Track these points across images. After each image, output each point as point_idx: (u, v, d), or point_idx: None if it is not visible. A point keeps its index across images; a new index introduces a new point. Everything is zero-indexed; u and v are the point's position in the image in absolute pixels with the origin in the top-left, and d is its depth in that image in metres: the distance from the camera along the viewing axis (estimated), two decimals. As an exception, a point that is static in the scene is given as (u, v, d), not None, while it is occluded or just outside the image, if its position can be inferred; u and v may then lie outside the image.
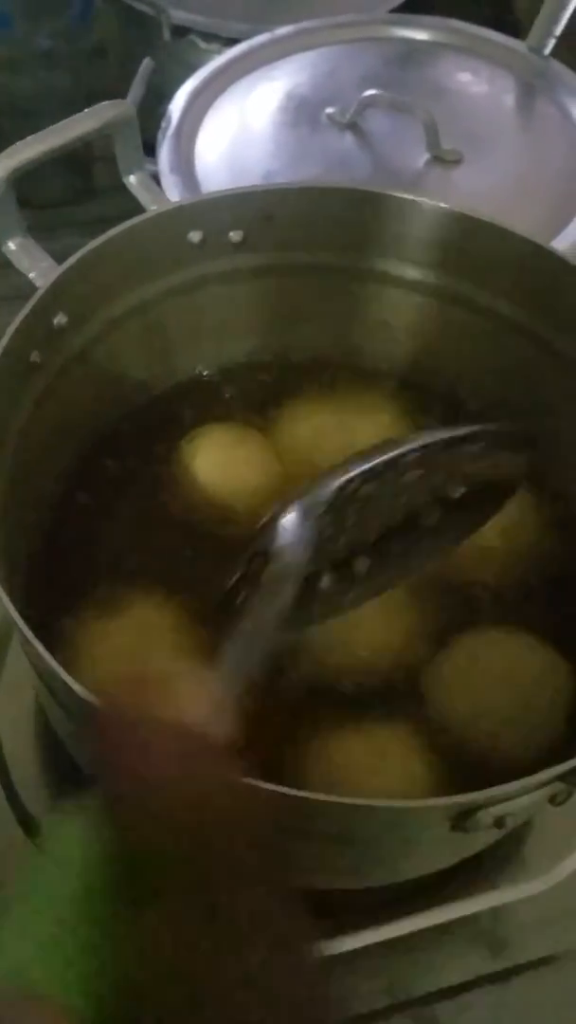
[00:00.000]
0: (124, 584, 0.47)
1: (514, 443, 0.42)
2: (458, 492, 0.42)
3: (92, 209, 0.82)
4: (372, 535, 0.41)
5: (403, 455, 0.39)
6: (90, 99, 0.78)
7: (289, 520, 0.37)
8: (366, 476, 0.38)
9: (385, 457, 0.38)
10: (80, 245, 0.43)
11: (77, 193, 0.81)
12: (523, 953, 0.50)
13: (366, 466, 0.38)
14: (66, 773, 0.51)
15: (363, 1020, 0.48)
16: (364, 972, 0.49)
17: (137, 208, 0.55)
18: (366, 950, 0.49)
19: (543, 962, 0.50)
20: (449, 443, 0.40)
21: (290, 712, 0.43)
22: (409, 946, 0.49)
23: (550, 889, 0.50)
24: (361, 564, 0.41)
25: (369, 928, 0.49)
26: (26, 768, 0.52)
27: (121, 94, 0.76)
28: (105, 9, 0.77)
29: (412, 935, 0.49)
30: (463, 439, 0.40)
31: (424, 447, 0.39)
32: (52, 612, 0.44)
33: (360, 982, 0.49)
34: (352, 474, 0.38)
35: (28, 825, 0.50)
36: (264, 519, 0.39)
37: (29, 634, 0.33)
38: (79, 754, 0.46)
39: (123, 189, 0.83)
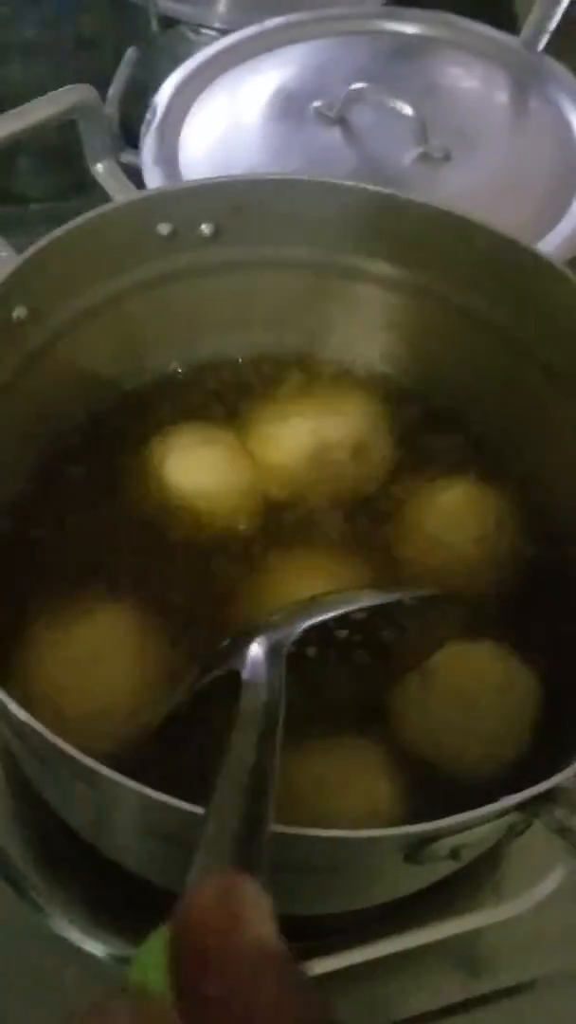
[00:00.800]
0: (89, 587, 0.45)
1: (453, 610, 0.41)
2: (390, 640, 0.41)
3: (84, 204, 0.80)
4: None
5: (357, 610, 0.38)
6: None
7: (260, 652, 0.35)
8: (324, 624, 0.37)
9: (342, 610, 0.37)
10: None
11: (70, 188, 0.80)
12: (500, 978, 0.48)
13: (328, 615, 0.37)
14: (42, 822, 0.50)
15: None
16: (340, 995, 0.48)
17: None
18: (341, 973, 0.47)
19: (519, 988, 0.48)
20: (397, 606, 0.39)
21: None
22: (385, 969, 0.48)
23: (526, 912, 0.48)
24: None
25: (340, 952, 0.47)
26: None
27: (107, 84, 0.75)
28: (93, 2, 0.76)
29: (387, 959, 0.48)
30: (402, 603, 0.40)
31: (374, 607, 0.38)
32: (12, 613, 0.42)
33: (336, 1006, 0.47)
34: (318, 619, 0.37)
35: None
36: (226, 642, 0.37)
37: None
38: (53, 797, 0.45)
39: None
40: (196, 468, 0.48)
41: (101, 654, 0.43)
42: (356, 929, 0.48)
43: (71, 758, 0.30)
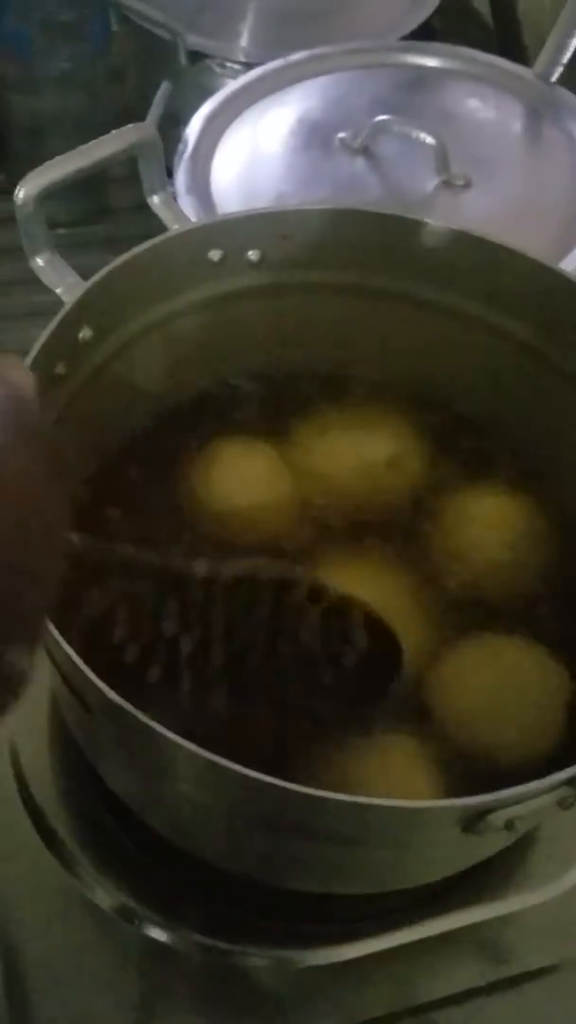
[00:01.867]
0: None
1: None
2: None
3: (108, 229, 0.84)
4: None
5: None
6: (107, 122, 0.80)
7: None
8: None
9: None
10: (97, 263, 0.44)
11: (93, 214, 0.83)
12: (528, 961, 0.50)
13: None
14: (83, 781, 0.52)
15: (366, 1027, 0.49)
16: (368, 979, 0.50)
17: (151, 228, 0.57)
18: (371, 957, 0.49)
19: (548, 970, 0.50)
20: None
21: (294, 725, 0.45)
22: (414, 953, 0.50)
23: (556, 898, 0.51)
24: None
25: (376, 936, 0.50)
26: (43, 779, 0.53)
27: (138, 116, 0.78)
28: (122, 33, 0.79)
29: (418, 943, 0.50)
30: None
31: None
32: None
33: (365, 988, 0.50)
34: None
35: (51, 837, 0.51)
36: None
37: (60, 639, 0.34)
38: (94, 756, 0.47)
39: (137, 210, 0.85)
40: (239, 479, 0.51)
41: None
42: (391, 914, 0.50)
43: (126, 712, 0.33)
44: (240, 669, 0.41)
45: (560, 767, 0.33)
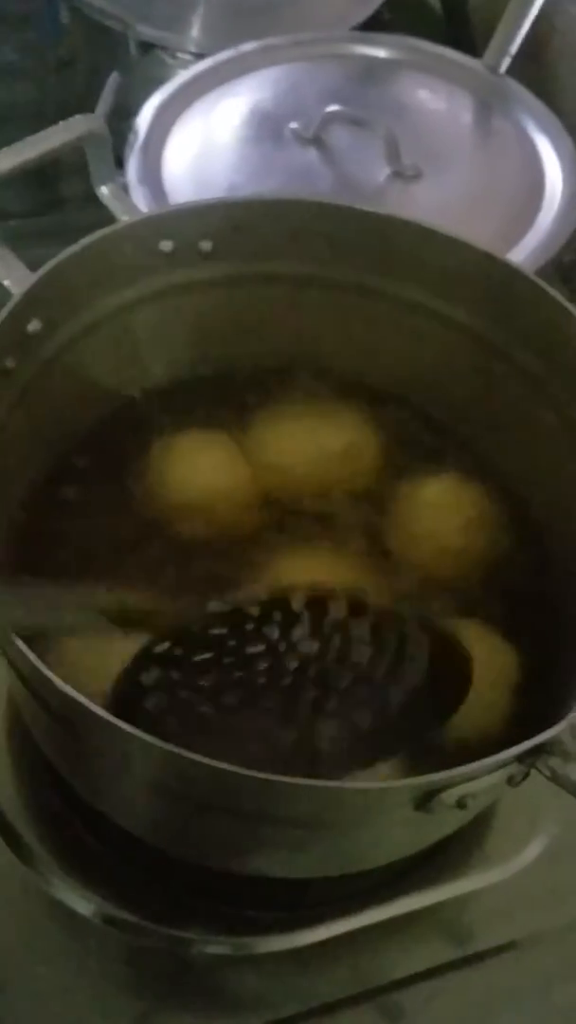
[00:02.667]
0: (98, 584, 0.48)
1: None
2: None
3: (59, 220, 0.83)
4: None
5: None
6: (57, 112, 0.80)
7: None
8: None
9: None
10: (48, 255, 0.44)
11: (44, 204, 0.83)
12: (486, 940, 0.51)
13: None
14: (42, 778, 0.52)
15: (328, 1009, 0.49)
16: (329, 961, 0.50)
17: (103, 219, 0.57)
18: (331, 940, 0.50)
19: (506, 948, 0.51)
20: None
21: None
22: (374, 935, 0.51)
23: (511, 877, 0.52)
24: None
25: (336, 919, 0.50)
26: (1, 776, 0.53)
27: (88, 107, 0.78)
28: (72, 24, 0.79)
29: (377, 925, 0.51)
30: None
31: None
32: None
33: (325, 971, 0.50)
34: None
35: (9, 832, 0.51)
36: None
37: (20, 643, 0.34)
38: (56, 759, 0.47)
39: (88, 200, 0.85)
40: (196, 471, 0.51)
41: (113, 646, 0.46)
42: (350, 897, 0.51)
43: (91, 713, 0.33)
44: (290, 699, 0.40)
45: (508, 746, 0.34)
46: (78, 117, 0.43)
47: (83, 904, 0.50)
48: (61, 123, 0.43)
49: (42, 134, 0.43)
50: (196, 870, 0.46)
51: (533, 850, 0.52)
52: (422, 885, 0.51)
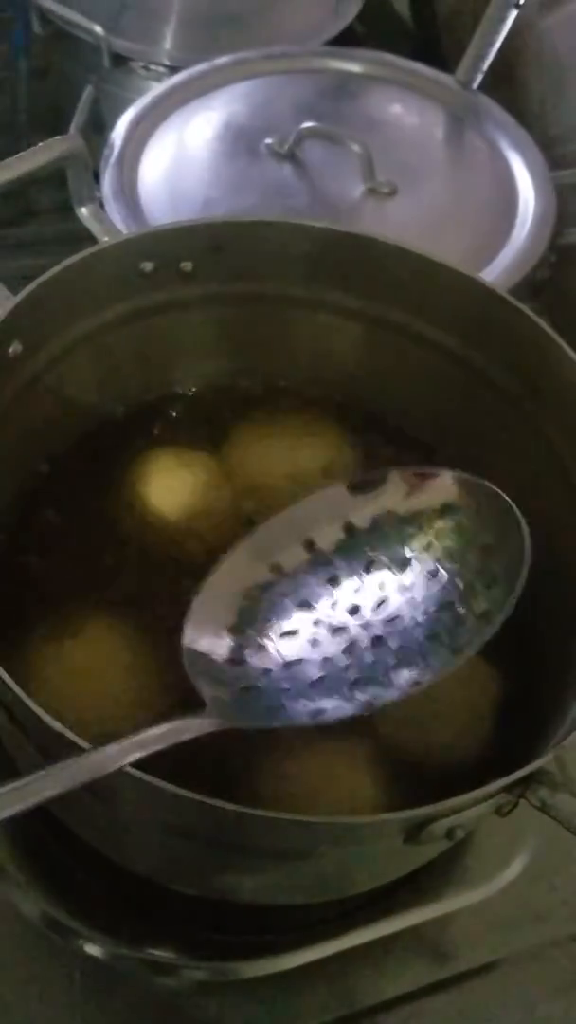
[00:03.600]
0: (76, 605, 0.47)
1: None
2: None
3: (31, 232, 0.83)
4: None
5: None
6: (30, 124, 0.80)
7: None
8: None
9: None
10: (22, 266, 0.44)
11: (16, 216, 0.82)
12: (469, 960, 0.51)
13: None
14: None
15: (308, 1033, 0.49)
16: (310, 985, 0.50)
17: (75, 231, 0.56)
18: (314, 964, 0.50)
19: (486, 968, 0.51)
20: None
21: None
22: (356, 957, 0.51)
23: (492, 897, 0.52)
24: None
25: (317, 943, 0.50)
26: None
27: (61, 119, 0.77)
28: (45, 35, 0.78)
29: (359, 947, 0.51)
30: None
31: None
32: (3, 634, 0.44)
33: (306, 995, 0.50)
34: None
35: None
36: None
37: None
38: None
39: (60, 212, 0.84)
40: (176, 489, 0.51)
41: (94, 668, 0.46)
42: (331, 920, 0.51)
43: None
44: None
45: (492, 767, 0.34)
46: (57, 138, 0.43)
47: (59, 927, 0.49)
48: (40, 144, 0.42)
49: (20, 156, 0.42)
50: (173, 895, 0.46)
51: (514, 869, 0.52)
52: (404, 906, 0.51)
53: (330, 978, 0.50)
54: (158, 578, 0.48)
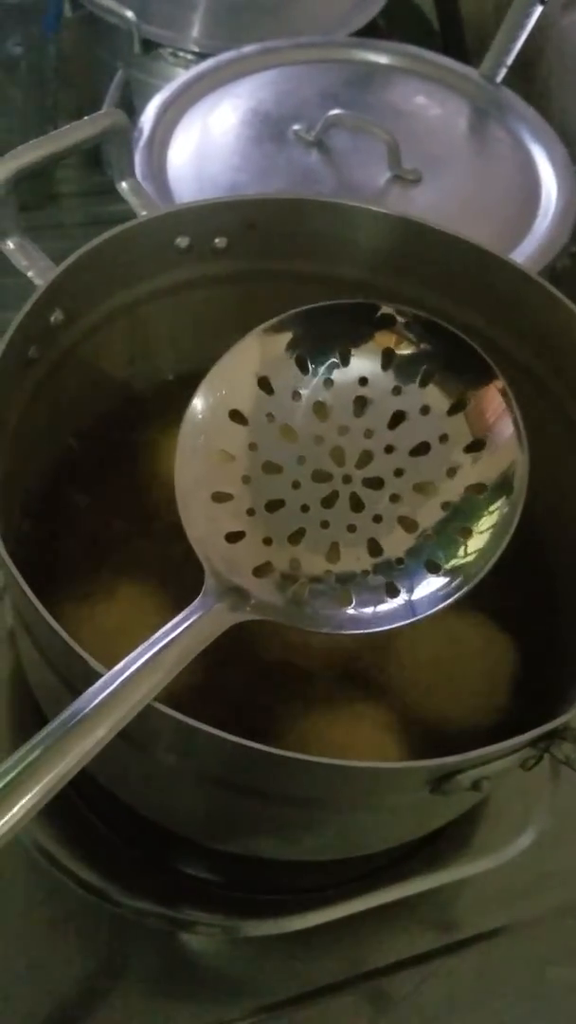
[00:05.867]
0: (105, 569, 0.49)
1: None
2: None
3: (55, 215, 0.85)
4: None
5: None
6: (58, 108, 0.81)
7: None
8: None
9: None
10: (54, 248, 0.45)
11: (41, 199, 0.84)
12: (478, 926, 0.53)
13: None
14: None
15: (318, 994, 0.50)
16: (320, 947, 0.51)
17: (98, 214, 0.57)
18: (326, 925, 0.51)
19: (493, 934, 0.53)
20: None
21: (258, 695, 0.46)
22: (366, 922, 0.52)
23: (503, 865, 0.54)
24: None
25: (328, 906, 0.52)
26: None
27: (91, 103, 0.78)
28: (75, 19, 0.80)
29: (369, 912, 0.52)
30: None
31: None
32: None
33: (316, 956, 0.51)
34: None
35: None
36: None
37: (38, 605, 0.35)
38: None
39: (83, 196, 0.86)
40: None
41: (124, 627, 0.47)
42: (344, 884, 0.52)
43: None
44: None
45: (506, 732, 0.35)
46: (102, 112, 0.44)
47: (74, 876, 0.51)
48: (87, 117, 0.44)
49: (68, 128, 0.43)
50: (195, 849, 0.47)
51: (526, 839, 0.54)
52: (415, 873, 0.52)
53: (340, 941, 0.52)
54: (181, 551, 0.49)
